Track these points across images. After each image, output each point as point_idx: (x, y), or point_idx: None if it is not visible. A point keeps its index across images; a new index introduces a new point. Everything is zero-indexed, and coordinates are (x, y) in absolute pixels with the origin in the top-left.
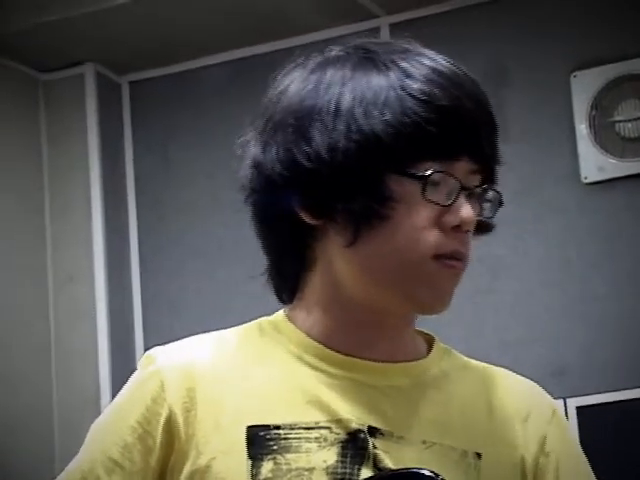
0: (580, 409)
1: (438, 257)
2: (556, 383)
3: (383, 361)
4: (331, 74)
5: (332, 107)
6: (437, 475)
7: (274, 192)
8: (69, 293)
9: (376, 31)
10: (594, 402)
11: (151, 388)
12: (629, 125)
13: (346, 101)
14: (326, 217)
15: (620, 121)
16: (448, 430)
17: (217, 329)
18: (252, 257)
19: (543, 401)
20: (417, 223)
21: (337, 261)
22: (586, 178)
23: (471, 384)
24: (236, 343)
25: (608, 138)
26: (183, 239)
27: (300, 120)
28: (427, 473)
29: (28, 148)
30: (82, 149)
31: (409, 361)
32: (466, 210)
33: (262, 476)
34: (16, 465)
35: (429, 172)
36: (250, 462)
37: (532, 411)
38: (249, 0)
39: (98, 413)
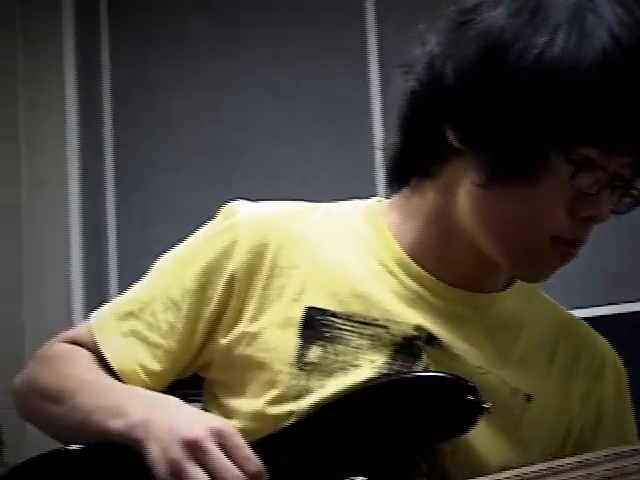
0: None
1: (556, 238)
2: None
3: (460, 287)
4: (548, 3)
5: (536, 51)
6: (474, 388)
7: (436, 95)
8: (41, 197)
9: None
10: None
11: (224, 241)
12: None
13: (554, 52)
14: (472, 147)
15: None
16: (506, 365)
17: (186, 236)
18: (226, 168)
19: (610, 361)
20: (553, 200)
21: (461, 191)
22: None
23: (541, 327)
24: (322, 219)
25: None
26: (158, 147)
27: (495, 48)
28: (470, 384)
29: (1, 53)
30: (58, 54)
31: (486, 292)
32: (605, 207)
33: (308, 359)
34: None
35: (587, 160)
36: (300, 342)
37: (598, 371)
38: None
39: (69, 314)
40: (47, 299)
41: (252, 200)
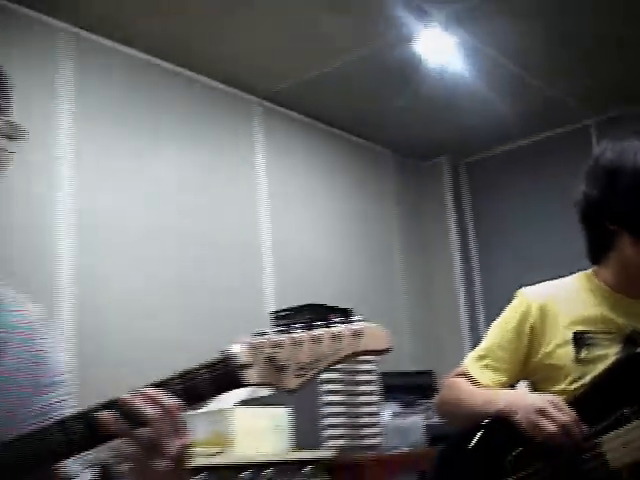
0: None
1: None
2: None
3: None
4: (629, 146)
5: (630, 165)
6: None
7: (592, 210)
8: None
9: (586, 130)
10: None
11: (522, 309)
12: None
13: (638, 163)
14: (621, 225)
15: None
16: None
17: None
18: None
19: None
20: None
21: (626, 249)
22: None
23: None
24: (568, 284)
25: None
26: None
27: (611, 172)
28: None
29: (409, 220)
30: (443, 225)
31: None
32: None
33: (581, 357)
34: None
35: None
36: (574, 350)
37: None
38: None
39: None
40: (445, 335)
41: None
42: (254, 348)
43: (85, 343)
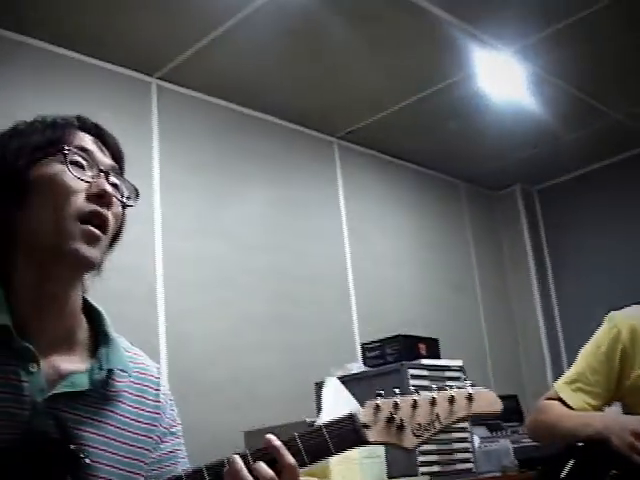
0: None
1: None
2: None
3: None
4: None
5: None
6: None
7: None
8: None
9: None
10: None
11: (612, 333)
12: None
13: None
14: None
15: None
16: None
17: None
18: None
19: None
20: None
21: None
22: None
23: None
24: None
25: None
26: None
27: None
28: None
29: (485, 248)
30: (519, 252)
31: None
32: None
33: None
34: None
35: None
36: None
37: None
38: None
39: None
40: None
41: None
42: (375, 408)
43: (179, 383)
